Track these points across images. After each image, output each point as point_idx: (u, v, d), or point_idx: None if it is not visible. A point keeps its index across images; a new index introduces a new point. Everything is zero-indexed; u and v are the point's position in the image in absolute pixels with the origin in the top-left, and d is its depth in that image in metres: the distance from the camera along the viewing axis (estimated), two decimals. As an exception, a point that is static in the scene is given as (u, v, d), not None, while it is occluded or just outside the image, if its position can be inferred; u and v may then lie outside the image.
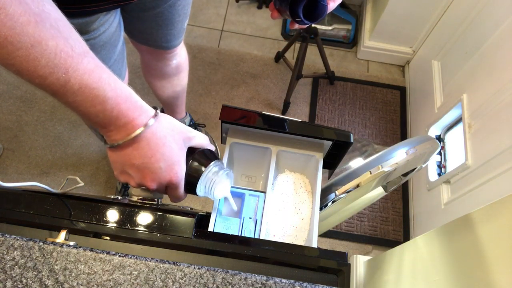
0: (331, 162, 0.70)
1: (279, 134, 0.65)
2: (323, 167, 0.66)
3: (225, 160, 0.65)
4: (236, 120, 0.63)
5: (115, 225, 0.53)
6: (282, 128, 0.64)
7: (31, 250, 0.43)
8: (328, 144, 0.65)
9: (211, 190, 0.55)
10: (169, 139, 0.49)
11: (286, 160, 0.68)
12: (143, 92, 1.82)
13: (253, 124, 0.63)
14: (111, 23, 0.87)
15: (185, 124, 1.56)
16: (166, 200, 0.56)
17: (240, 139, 0.66)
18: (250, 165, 0.70)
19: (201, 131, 1.66)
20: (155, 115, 0.48)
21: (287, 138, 0.66)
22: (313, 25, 1.62)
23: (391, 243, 1.59)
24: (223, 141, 0.69)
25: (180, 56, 1.26)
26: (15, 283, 0.41)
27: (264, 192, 0.63)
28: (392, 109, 1.91)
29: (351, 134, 0.63)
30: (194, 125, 1.62)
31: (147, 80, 1.39)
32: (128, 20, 1.03)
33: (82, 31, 0.79)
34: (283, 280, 0.44)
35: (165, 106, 1.56)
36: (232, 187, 0.64)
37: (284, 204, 0.64)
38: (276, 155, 0.66)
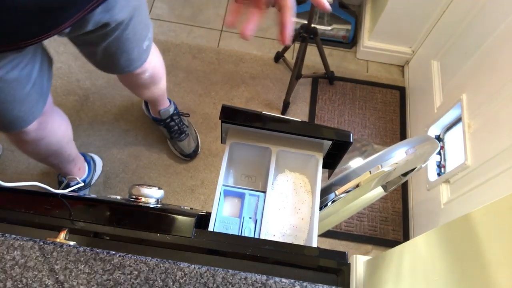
0: (331, 162, 0.70)
1: (279, 134, 0.65)
2: (323, 167, 0.66)
3: (225, 160, 0.65)
4: (236, 120, 0.63)
5: (115, 225, 0.53)
6: (282, 128, 0.64)
7: (31, 250, 0.43)
8: (328, 144, 0.65)
9: None
10: None
11: (286, 160, 0.68)
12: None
13: (253, 124, 0.63)
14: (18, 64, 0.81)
15: (169, 112, 1.58)
16: (166, 199, 0.56)
17: (240, 139, 0.66)
18: (250, 165, 0.70)
19: (184, 120, 1.66)
20: None
21: (287, 138, 0.66)
22: (312, 25, 1.62)
23: (391, 243, 1.59)
24: (223, 141, 0.69)
25: (152, 68, 1.22)
26: (15, 283, 0.41)
27: (264, 192, 0.63)
28: (391, 109, 1.91)
29: (351, 134, 0.63)
30: (178, 114, 1.62)
31: (124, 85, 1.37)
32: (83, 53, 1.03)
33: None
34: (283, 280, 0.44)
35: (147, 101, 1.59)
36: (232, 187, 0.64)
37: (284, 204, 0.64)
38: (276, 155, 0.66)
